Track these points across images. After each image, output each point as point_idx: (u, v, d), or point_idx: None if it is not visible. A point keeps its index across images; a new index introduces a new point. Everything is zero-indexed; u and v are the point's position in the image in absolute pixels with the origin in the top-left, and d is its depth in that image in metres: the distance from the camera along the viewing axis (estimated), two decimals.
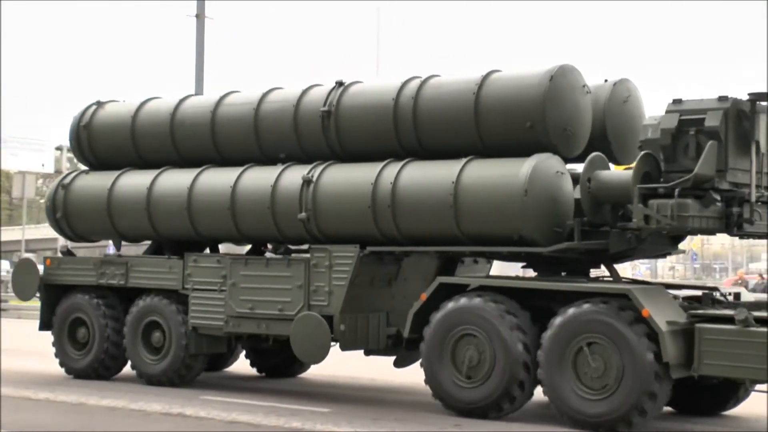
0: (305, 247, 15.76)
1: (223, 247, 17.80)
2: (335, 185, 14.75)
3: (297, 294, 14.92)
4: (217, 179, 15.89)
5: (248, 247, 17.73)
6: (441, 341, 13.70)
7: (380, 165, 14.48)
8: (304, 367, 18.11)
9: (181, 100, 16.89)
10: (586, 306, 12.82)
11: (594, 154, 13.52)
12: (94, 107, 17.82)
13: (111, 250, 19.55)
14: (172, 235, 16.63)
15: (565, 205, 13.48)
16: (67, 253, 17.75)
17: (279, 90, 16.12)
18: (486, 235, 13.66)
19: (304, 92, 15.64)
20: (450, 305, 13.69)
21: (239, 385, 17.05)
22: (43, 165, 64.12)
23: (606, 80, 14.79)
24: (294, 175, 15.16)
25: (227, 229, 15.80)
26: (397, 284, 15.20)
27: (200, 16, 31.22)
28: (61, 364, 17.40)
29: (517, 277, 14.29)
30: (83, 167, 18.03)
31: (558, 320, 12.93)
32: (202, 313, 15.82)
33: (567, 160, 13.86)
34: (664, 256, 15.24)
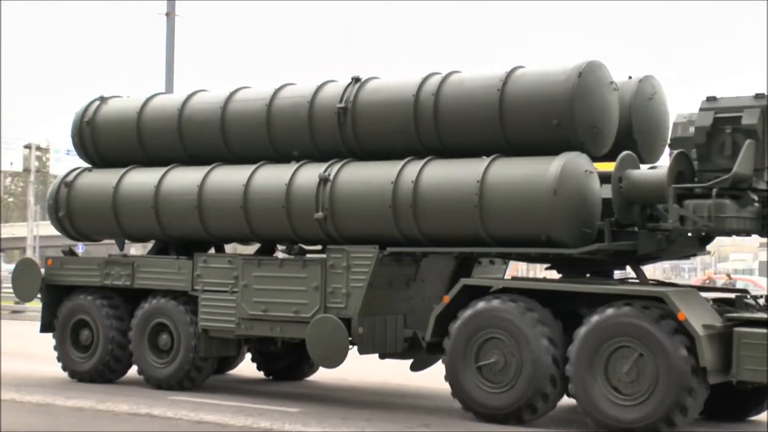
0: (318, 247, 15.31)
1: (229, 248, 17.32)
2: (353, 184, 14.26)
3: (313, 296, 14.42)
4: (229, 177, 15.37)
5: (256, 246, 17.29)
6: (465, 345, 13.26)
7: (400, 163, 14.01)
8: (312, 369, 17.65)
9: (189, 96, 16.36)
10: (618, 309, 12.39)
11: (625, 152, 13.09)
12: (97, 103, 17.27)
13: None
14: (180, 234, 16.10)
15: (593, 205, 13.05)
16: (70, 252, 17.20)
17: (292, 86, 15.62)
18: (512, 235, 13.20)
19: (319, 88, 15.14)
20: (475, 308, 13.24)
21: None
22: (12, 164, 63.55)
23: (630, 77, 14.35)
24: (309, 174, 14.67)
25: (239, 228, 15.29)
26: (415, 286, 14.77)
27: (170, 15, 30.81)
28: (64, 368, 16.84)
29: (543, 279, 13.85)
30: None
31: (589, 323, 12.50)
32: (213, 315, 15.30)
33: (594, 159, 13.42)
34: (689, 257, 14.85)
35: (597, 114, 13.26)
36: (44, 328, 17.15)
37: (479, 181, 13.22)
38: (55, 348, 16.91)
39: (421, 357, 15.03)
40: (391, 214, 13.82)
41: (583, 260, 13.52)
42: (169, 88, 29.63)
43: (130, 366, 16.57)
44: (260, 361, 17.69)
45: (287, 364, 17.44)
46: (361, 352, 14.34)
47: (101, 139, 17.04)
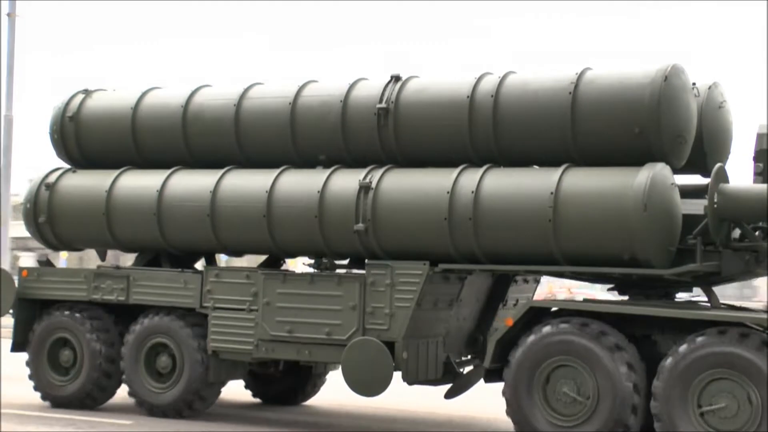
0: (345, 261, 13.64)
1: (217, 260, 15.47)
2: (400, 193, 12.58)
3: (349, 316, 12.70)
4: (248, 183, 13.53)
5: (244, 258, 15.52)
6: (531, 373, 11.74)
7: (454, 171, 12.40)
8: (309, 394, 15.89)
9: (194, 92, 14.47)
10: (711, 337, 11.04)
11: (718, 165, 11.71)
12: (81, 96, 15.23)
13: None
14: (186, 245, 14.16)
15: (678, 222, 11.70)
16: (46, 263, 15.12)
17: (316, 83, 13.86)
18: (589, 253, 11.69)
19: (352, 86, 13.45)
20: (541, 333, 11.76)
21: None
22: None
23: (694, 84, 13.01)
24: (345, 180, 12.95)
25: (260, 240, 13.43)
26: (457, 306, 13.23)
27: (11, 15, 28.74)
28: (41, 392, 14.72)
29: (620, 302, 12.37)
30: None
31: (679, 353, 11.11)
32: (226, 335, 13.43)
33: (674, 171, 12.07)
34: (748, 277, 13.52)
35: (682, 122, 11.88)
36: (16, 347, 15.00)
37: (553, 193, 11.71)
38: (29, 369, 14.82)
39: (458, 384, 13.48)
40: (447, 227, 12.19)
41: (648, 280, 12.17)
42: (9, 90, 27.07)
43: (115, 391, 14.63)
44: (254, 385, 15.85)
45: (284, 388, 15.68)
46: (406, 379, 12.69)
47: (87, 137, 15.00)
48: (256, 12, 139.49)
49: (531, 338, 11.76)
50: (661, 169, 11.54)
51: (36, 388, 14.75)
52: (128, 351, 14.03)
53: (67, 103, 15.17)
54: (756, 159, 12.00)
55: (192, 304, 13.70)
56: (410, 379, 12.70)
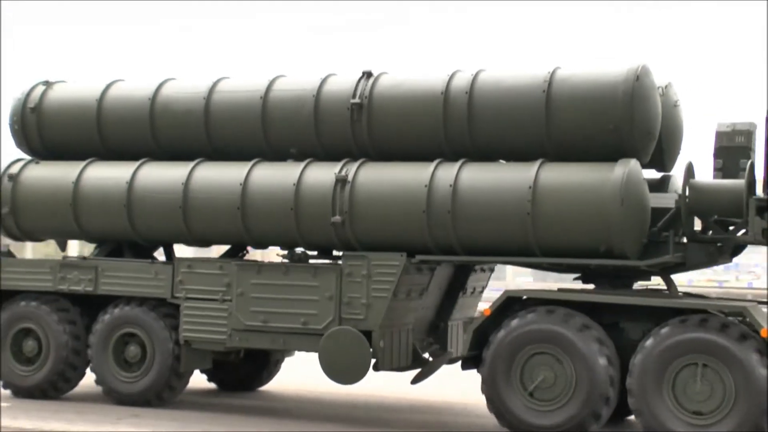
0: (314, 252, 13.76)
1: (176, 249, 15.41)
2: (378, 186, 12.74)
3: (325, 306, 12.84)
4: (220, 175, 13.53)
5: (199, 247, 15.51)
6: (509, 361, 12.05)
7: (431, 165, 12.62)
8: (265, 380, 15.99)
9: (161, 84, 14.39)
10: (687, 324, 11.48)
11: (688, 162, 12.18)
12: (42, 87, 15.00)
13: None
14: (156, 236, 14.11)
15: (648, 215, 12.12)
16: (8, 254, 14.88)
17: (285, 78, 13.93)
18: (565, 246, 12.03)
19: (324, 81, 13.57)
20: (519, 321, 12.07)
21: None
22: None
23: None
24: (320, 174, 13.06)
25: (233, 231, 13.45)
26: (426, 295, 13.48)
27: None
28: (4, 383, 14.55)
29: (594, 291, 12.74)
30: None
31: (655, 340, 11.54)
32: (198, 325, 13.43)
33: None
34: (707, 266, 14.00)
35: (652, 119, 12.29)
36: None
37: (531, 187, 12.03)
38: None
39: (424, 370, 13.72)
40: (425, 219, 12.42)
41: (614, 271, 12.58)
42: None
43: (80, 380, 14.53)
44: (212, 372, 15.82)
45: (241, 374, 15.73)
46: (380, 367, 12.88)
47: (50, 129, 14.78)
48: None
49: (513, 326, 12.07)
50: (634, 164, 11.93)
51: (2, 383, 14.55)
52: (96, 341, 13.93)
53: (28, 95, 14.94)
54: (716, 155, 12.48)
55: (163, 294, 13.66)
56: (384, 367, 12.89)
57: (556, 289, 13.30)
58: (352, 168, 12.91)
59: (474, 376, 12.46)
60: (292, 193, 12.99)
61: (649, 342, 11.54)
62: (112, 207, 13.91)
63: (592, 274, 12.95)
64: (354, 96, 13.20)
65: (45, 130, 14.80)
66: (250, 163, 13.46)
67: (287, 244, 13.52)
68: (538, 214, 11.96)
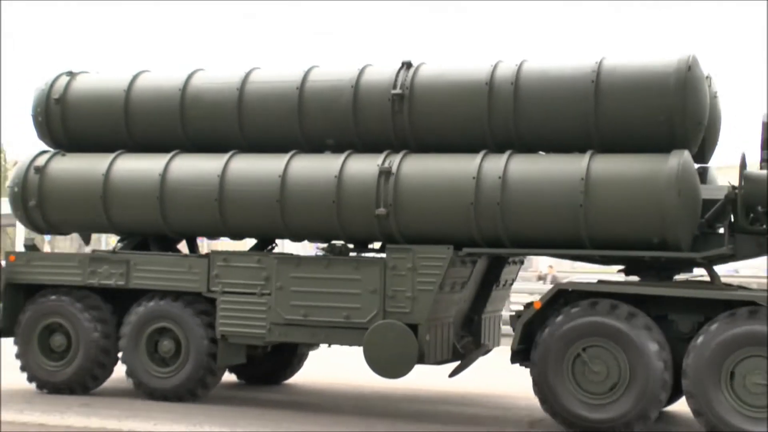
0: (351, 246, 13.41)
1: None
2: (423, 178, 12.41)
3: (369, 299, 12.49)
4: (257, 167, 13.14)
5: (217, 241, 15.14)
6: (560, 354, 11.81)
7: (477, 157, 12.32)
8: (289, 373, 15.64)
9: (190, 75, 13.97)
10: (736, 318, 11.29)
11: (743, 153, 11.95)
12: (66, 78, 14.53)
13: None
14: (190, 229, 13.73)
15: (700, 207, 11.90)
16: (32, 247, 14.41)
17: (319, 69, 13.54)
18: (618, 237, 11.77)
19: (362, 71, 13.20)
20: (572, 315, 11.83)
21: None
22: None
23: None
24: (361, 165, 12.70)
25: (270, 224, 13.07)
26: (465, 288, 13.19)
27: None
28: (31, 378, 14.11)
29: (647, 284, 12.46)
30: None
31: (705, 337, 11.35)
32: (236, 319, 13.08)
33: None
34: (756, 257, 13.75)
35: (702, 110, 12.03)
36: (2, 334, 14.31)
37: (584, 179, 11.76)
38: (18, 356, 14.16)
39: (464, 363, 13.44)
40: (472, 212, 12.14)
41: (654, 262, 12.35)
42: None
43: (109, 376, 14.12)
44: (238, 366, 15.42)
45: (267, 368, 15.38)
46: (427, 361, 12.58)
47: (75, 120, 14.30)
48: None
49: (559, 319, 11.83)
50: (687, 155, 11.70)
51: (26, 373, 14.11)
52: (128, 335, 13.52)
53: (52, 85, 14.46)
54: (764, 146, 12.27)
55: (198, 288, 13.27)
56: (429, 361, 12.60)
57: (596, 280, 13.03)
58: (395, 160, 12.58)
59: (497, 367, 12.27)
60: (334, 186, 12.64)
61: (700, 340, 11.34)
62: (145, 199, 13.49)
63: (636, 266, 12.72)
64: (395, 87, 12.86)
65: (70, 122, 14.33)
66: (287, 155, 13.08)
67: (326, 237, 13.18)
68: (591, 205, 11.68)
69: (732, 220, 11.92)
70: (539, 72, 12.47)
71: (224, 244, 16.44)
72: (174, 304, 13.34)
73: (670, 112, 11.80)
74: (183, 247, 14.85)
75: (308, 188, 12.78)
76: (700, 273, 13.18)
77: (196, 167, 13.41)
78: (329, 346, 13.40)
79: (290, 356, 15.37)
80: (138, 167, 13.67)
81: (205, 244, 22.46)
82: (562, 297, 12.11)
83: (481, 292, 13.87)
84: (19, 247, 15.81)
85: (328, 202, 12.65)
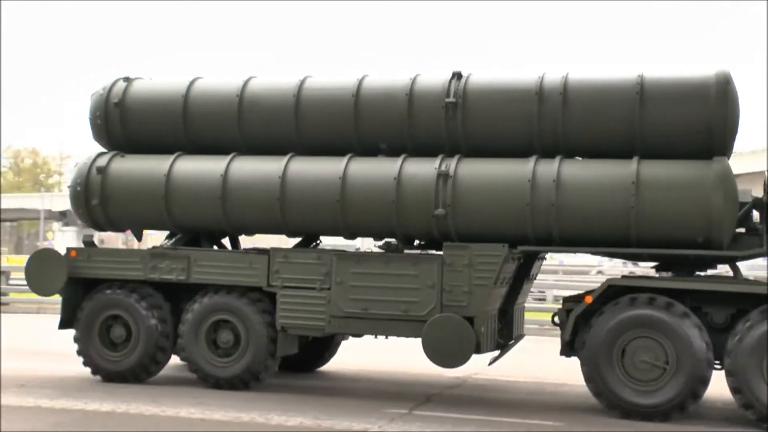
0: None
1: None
2: (481, 181, 13.03)
3: (427, 294, 13.11)
4: (317, 169, 13.66)
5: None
6: (610, 345, 12.54)
7: (529, 161, 13.01)
8: (321, 362, 16.20)
9: (246, 81, 14.45)
10: None
11: None
12: (123, 84, 14.93)
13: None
14: (249, 227, 14.22)
15: (737, 209, 12.69)
16: (90, 244, 14.76)
17: (371, 77, 14.11)
18: (664, 237, 12.54)
19: (414, 81, 13.81)
20: (621, 308, 12.55)
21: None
22: None
23: None
24: (418, 168, 13.31)
25: (331, 222, 13.60)
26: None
27: None
28: (91, 367, 14.47)
29: (689, 279, 13.21)
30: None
31: (755, 325, 12.17)
32: (296, 312, 13.61)
33: None
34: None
35: (737, 120, 12.84)
36: (64, 325, 14.68)
37: (635, 182, 12.51)
38: (79, 348, 14.51)
39: (502, 352, 14.14)
40: (528, 213, 12.82)
41: (686, 260, 13.12)
42: None
43: (165, 364, 14.55)
44: None
45: (302, 356, 15.86)
46: (482, 351, 13.22)
47: (134, 123, 14.72)
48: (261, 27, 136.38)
49: (616, 313, 12.55)
50: (727, 162, 12.51)
51: (86, 364, 14.49)
52: (188, 327, 13.97)
53: (110, 90, 14.86)
54: None
55: (258, 283, 13.75)
56: (483, 351, 13.24)
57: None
58: (451, 163, 13.19)
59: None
60: (394, 187, 13.21)
61: (746, 328, 12.16)
62: (206, 199, 13.94)
63: (669, 262, 13.49)
64: (448, 95, 13.47)
65: (128, 125, 14.73)
66: (345, 159, 13.62)
67: (382, 235, 13.76)
68: (642, 207, 12.43)
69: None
70: (585, 82, 13.19)
71: (256, 239, 16.85)
72: (234, 297, 13.82)
73: (709, 121, 12.60)
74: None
75: (368, 189, 13.34)
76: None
77: (256, 168, 13.89)
78: (386, 337, 13.91)
79: (327, 345, 15.93)
80: (199, 168, 14.11)
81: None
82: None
83: (514, 285, 14.55)
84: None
85: (388, 202, 13.23)
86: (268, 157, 14.00)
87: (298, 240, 14.75)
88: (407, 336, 13.40)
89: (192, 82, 14.64)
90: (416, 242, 14.12)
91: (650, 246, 12.66)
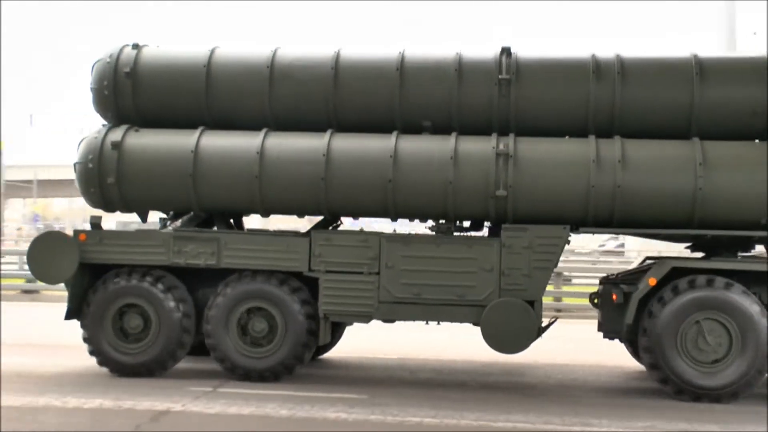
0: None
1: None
2: (542, 161, 12.25)
3: (484, 278, 12.25)
4: (363, 147, 12.49)
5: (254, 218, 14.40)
6: (675, 327, 12.04)
7: (590, 140, 12.33)
8: (323, 350, 15.03)
9: (275, 51, 13.13)
10: None
11: None
12: (132, 51, 13.31)
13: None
14: (287, 208, 12.91)
15: None
16: (97, 226, 13.15)
17: (410, 50, 13.09)
18: (728, 218, 12.12)
19: (461, 55, 12.87)
20: (688, 292, 12.06)
21: None
22: None
23: None
24: (473, 147, 12.39)
25: (379, 203, 12.46)
26: None
27: None
28: (101, 359, 12.93)
29: (743, 260, 12.78)
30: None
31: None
32: (341, 298, 12.50)
33: None
34: None
35: None
36: (71, 315, 13.05)
37: (702, 164, 12.00)
38: (87, 339, 12.94)
39: (540, 333, 13.36)
40: (591, 194, 12.11)
41: (723, 241, 12.78)
42: None
43: (184, 356, 13.17)
44: None
45: None
46: (539, 334, 12.48)
47: (147, 94, 13.15)
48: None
49: (682, 296, 12.06)
50: None
51: (94, 354, 12.90)
52: (217, 317, 12.63)
53: (118, 57, 13.24)
54: None
55: (299, 267, 12.54)
56: (539, 333, 12.52)
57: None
58: (510, 142, 12.36)
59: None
60: (451, 167, 12.28)
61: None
62: (241, 177, 12.59)
63: (706, 244, 13.13)
64: (500, 71, 12.62)
65: (141, 96, 13.16)
66: (392, 136, 12.57)
67: (432, 217, 12.79)
68: (709, 189, 11.96)
69: None
70: (642, 62, 12.63)
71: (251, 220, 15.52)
72: (271, 283, 12.60)
73: (761, 106, 12.27)
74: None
75: (422, 168, 12.34)
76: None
77: (296, 145, 12.64)
78: (438, 323, 12.96)
79: (334, 332, 14.80)
80: (230, 144, 12.72)
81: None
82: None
83: None
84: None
85: (445, 182, 12.28)
86: (306, 134, 12.77)
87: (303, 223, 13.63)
88: (462, 321, 12.52)
89: (213, 51, 13.22)
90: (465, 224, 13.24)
91: (712, 227, 12.21)
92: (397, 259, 12.40)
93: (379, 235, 12.54)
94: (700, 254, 13.46)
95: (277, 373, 12.63)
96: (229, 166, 12.63)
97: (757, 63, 12.45)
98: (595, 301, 13.25)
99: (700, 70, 12.40)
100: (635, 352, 13.99)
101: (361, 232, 12.82)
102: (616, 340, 13.68)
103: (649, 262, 13.75)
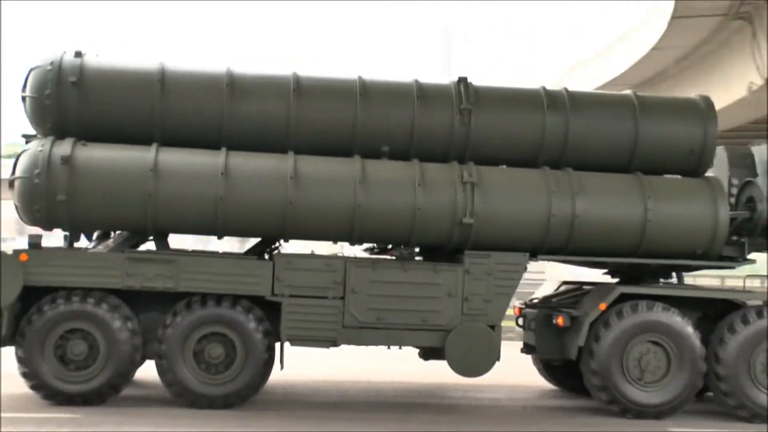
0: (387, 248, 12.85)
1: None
2: (507, 190, 12.32)
3: (447, 303, 12.16)
4: (328, 170, 12.05)
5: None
6: (621, 349, 12.47)
7: (545, 171, 12.56)
8: None
9: (230, 69, 12.37)
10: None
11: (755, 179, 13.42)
12: (74, 59, 12.09)
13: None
14: (255, 231, 12.24)
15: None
16: (35, 245, 11.84)
17: (374, 77, 12.74)
18: (669, 250, 12.71)
19: (419, 84, 12.69)
20: (631, 314, 12.51)
21: None
22: None
23: None
24: (437, 174, 12.28)
25: (343, 228, 12.03)
26: None
27: None
28: (42, 390, 11.69)
29: (692, 287, 13.39)
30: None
31: (745, 329, 12.70)
32: (304, 323, 11.99)
33: None
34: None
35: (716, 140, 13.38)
36: (6, 342, 11.69)
37: (650, 197, 12.53)
38: (23, 367, 11.63)
39: None
40: (551, 223, 12.32)
41: (640, 268, 13.39)
42: None
43: (132, 378, 12.18)
44: None
45: None
46: (498, 359, 12.49)
47: (96, 106, 12.00)
48: None
49: (625, 320, 12.48)
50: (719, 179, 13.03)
51: (34, 387, 11.67)
52: (172, 342, 11.77)
53: (60, 65, 12.00)
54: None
55: (261, 291, 11.89)
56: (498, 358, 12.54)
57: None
58: (473, 171, 12.34)
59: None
60: (419, 193, 12.08)
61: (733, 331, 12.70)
62: (204, 198, 11.78)
63: (619, 271, 13.77)
64: (463, 101, 12.59)
65: (90, 109, 12.00)
66: (356, 160, 12.22)
67: (394, 242, 12.52)
68: (655, 223, 12.50)
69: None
70: (587, 99, 13.11)
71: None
72: (228, 308, 11.89)
73: (697, 144, 13.10)
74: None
75: (390, 194, 12.07)
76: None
77: (260, 167, 11.96)
78: (399, 348, 12.64)
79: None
80: (192, 163, 11.87)
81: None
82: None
83: None
84: None
85: (410, 209, 12.07)
86: (271, 155, 12.13)
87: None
88: (424, 345, 12.38)
89: (163, 65, 12.28)
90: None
91: (656, 257, 12.76)
92: (364, 283, 12.06)
93: (345, 260, 12.15)
94: (615, 279, 13.98)
95: (231, 402, 11.96)
96: (194, 187, 11.78)
97: (692, 103, 13.21)
98: (518, 322, 13.51)
99: (640, 112, 12.97)
100: (549, 374, 14.41)
101: (324, 255, 12.35)
102: (528, 359, 14.04)
103: (564, 287, 14.22)
